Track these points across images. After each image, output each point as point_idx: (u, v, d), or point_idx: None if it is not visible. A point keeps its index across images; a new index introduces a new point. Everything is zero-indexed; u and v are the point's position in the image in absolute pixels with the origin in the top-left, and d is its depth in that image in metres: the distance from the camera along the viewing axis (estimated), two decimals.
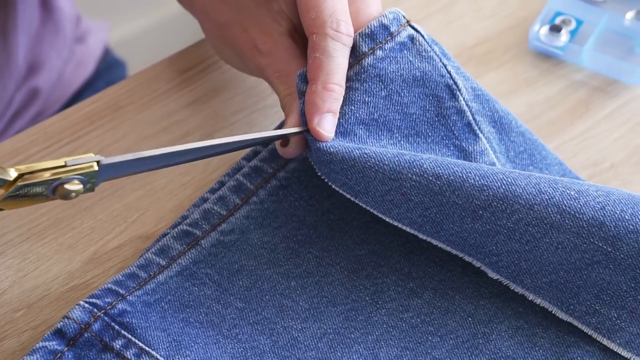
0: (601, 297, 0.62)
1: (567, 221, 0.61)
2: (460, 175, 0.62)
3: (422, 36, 0.67)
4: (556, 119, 0.74)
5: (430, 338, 0.64)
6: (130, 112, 0.76)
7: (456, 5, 0.81)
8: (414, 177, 0.62)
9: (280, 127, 0.70)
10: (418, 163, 0.62)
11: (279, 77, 0.67)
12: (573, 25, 0.78)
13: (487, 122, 0.68)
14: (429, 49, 0.67)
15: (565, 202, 0.61)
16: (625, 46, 0.77)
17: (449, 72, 0.67)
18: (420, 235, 0.64)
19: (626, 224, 0.60)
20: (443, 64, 0.67)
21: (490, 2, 0.81)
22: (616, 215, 0.61)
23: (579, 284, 0.62)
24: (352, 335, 0.64)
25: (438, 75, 0.67)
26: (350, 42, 0.66)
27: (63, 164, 0.58)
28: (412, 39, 0.67)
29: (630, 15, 0.77)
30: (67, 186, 0.59)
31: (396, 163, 0.63)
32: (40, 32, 0.93)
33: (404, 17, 0.67)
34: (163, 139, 0.74)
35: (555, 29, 0.77)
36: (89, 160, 0.59)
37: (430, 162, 0.62)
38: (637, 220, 0.61)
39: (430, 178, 0.62)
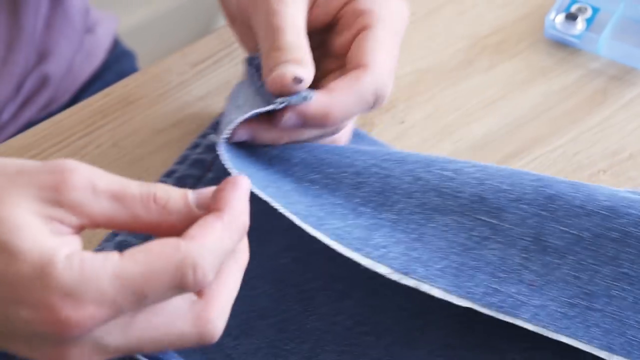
0: (497, 275, 0.59)
1: (448, 202, 0.60)
2: (337, 177, 0.62)
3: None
4: (573, 109, 0.74)
5: (366, 338, 0.61)
6: (142, 106, 0.75)
7: None
8: (290, 184, 0.62)
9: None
10: (290, 172, 0.62)
11: None
12: (589, 13, 0.77)
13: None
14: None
15: (443, 184, 0.61)
16: None
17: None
18: (304, 227, 0.60)
19: (506, 193, 0.60)
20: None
21: None
22: (495, 187, 0.60)
23: (472, 265, 0.59)
24: (287, 347, 0.61)
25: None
26: None
27: None
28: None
29: None
30: None
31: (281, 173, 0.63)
32: (49, 19, 0.93)
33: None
34: (175, 133, 0.73)
35: (571, 17, 0.76)
36: None
37: (304, 168, 0.62)
38: (517, 188, 0.60)
39: (306, 184, 0.62)
